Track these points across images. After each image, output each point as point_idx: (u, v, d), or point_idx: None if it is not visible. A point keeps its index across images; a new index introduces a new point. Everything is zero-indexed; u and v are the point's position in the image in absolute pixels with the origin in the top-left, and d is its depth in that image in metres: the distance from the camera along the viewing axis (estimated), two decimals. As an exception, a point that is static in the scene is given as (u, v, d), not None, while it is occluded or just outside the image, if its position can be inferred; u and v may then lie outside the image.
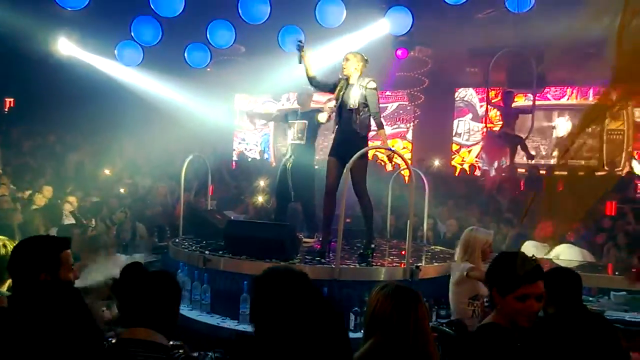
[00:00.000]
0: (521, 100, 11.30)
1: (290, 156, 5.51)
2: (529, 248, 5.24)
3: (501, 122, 10.25)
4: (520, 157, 10.32)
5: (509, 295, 2.00)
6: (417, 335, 1.92)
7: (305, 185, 5.47)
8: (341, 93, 4.70)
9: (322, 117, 5.40)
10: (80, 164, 9.16)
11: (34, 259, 2.14)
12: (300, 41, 4.83)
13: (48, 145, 9.72)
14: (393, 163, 5.70)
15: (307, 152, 5.50)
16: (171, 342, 1.92)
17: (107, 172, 9.22)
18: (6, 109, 12.40)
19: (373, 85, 4.66)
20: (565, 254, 5.13)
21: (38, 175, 8.21)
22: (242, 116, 14.36)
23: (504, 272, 2.05)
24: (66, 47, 9.30)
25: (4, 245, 2.54)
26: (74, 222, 6.17)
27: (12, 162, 8.71)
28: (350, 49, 8.42)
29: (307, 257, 4.53)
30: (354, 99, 4.65)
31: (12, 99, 12.34)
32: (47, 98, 10.63)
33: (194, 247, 4.84)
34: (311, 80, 4.89)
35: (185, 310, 4.44)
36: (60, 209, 6.85)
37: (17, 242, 2.65)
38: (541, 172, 9.81)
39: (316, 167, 5.79)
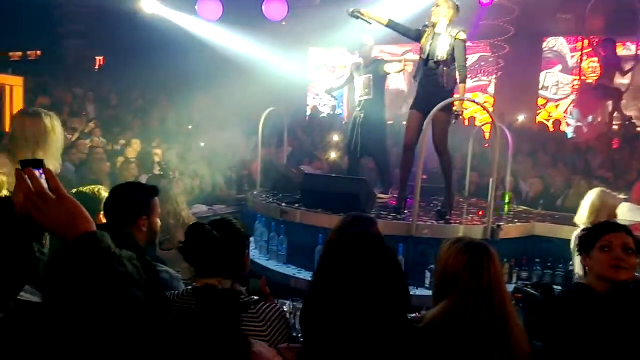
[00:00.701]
0: (620, 51, 10.30)
1: (360, 111, 5.43)
2: (625, 210, 4.87)
3: (599, 73, 9.42)
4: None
5: (594, 249, 2.00)
6: (493, 293, 1.81)
7: (376, 140, 5.38)
8: (428, 43, 4.45)
9: (389, 68, 5.21)
10: (163, 118, 9.57)
11: (133, 202, 2.21)
12: (352, 13, 4.67)
13: (133, 100, 10.21)
14: (464, 118, 5.50)
15: (377, 106, 5.37)
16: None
17: (189, 127, 9.59)
18: (97, 67, 13.12)
19: (463, 36, 4.39)
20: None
21: (126, 129, 8.68)
22: (317, 70, 14.27)
23: (587, 232, 2.10)
24: (150, 4, 9.58)
25: (98, 192, 2.71)
26: (161, 173, 6.48)
27: (103, 116, 9.25)
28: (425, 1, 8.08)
29: (382, 212, 4.50)
30: (442, 50, 4.39)
31: (102, 57, 13.03)
32: (132, 56, 11.12)
33: (271, 200, 4.96)
34: (389, 25, 4.67)
35: (262, 260, 4.61)
36: (152, 160, 7.24)
37: (102, 187, 2.83)
38: (638, 129, 9.03)
39: (390, 122, 5.69)
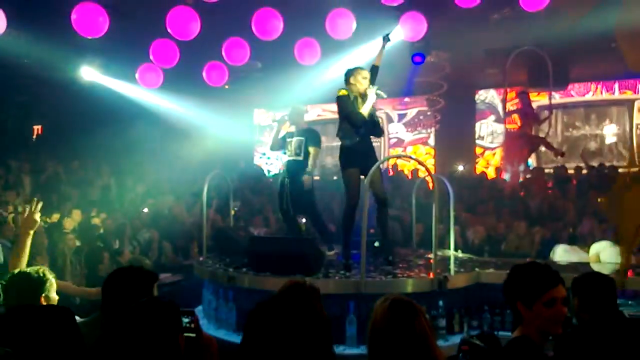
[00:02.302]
0: (544, 99, 11.07)
1: (286, 172, 5.58)
2: (561, 252, 5.08)
3: (519, 124, 10.12)
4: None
5: (537, 303, 1.97)
6: (415, 350, 1.85)
7: (307, 200, 5.45)
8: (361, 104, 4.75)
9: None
10: (105, 187, 9.32)
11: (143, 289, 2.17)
12: (388, 35, 5.23)
13: (73, 170, 9.92)
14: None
15: (304, 166, 5.45)
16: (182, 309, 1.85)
17: (138, 189, 9.38)
18: (34, 137, 12.74)
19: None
20: (606, 254, 4.94)
21: (65, 200, 8.37)
22: (262, 131, 14.45)
23: (526, 282, 2.01)
24: (89, 73, 9.53)
25: (43, 273, 2.59)
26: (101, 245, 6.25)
27: (40, 188, 8.90)
28: (366, 59, 8.47)
29: (330, 270, 4.47)
30: (372, 108, 4.70)
31: (39, 126, 12.69)
32: (72, 124, 10.90)
33: (218, 265, 4.84)
34: (374, 67, 4.99)
35: (212, 329, 4.42)
36: (94, 231, 6.97)
37: (46, 268, 2.69)
38: (569, 172, 9.59)
39: (316, 178, 5.80)
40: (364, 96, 4.72)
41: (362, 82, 4.71)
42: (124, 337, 1.67)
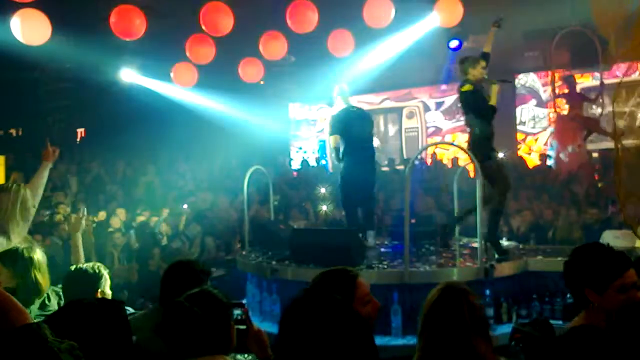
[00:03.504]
0: (588, 81, 10.64)
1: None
2: (610, 238, 4.87)
3: (567, 107, 9.71)
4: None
5: (609, 289, 1.86)
6: (463, 337, 1.82)
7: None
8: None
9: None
10: (149, 185, 9.55)
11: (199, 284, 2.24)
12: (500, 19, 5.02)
13: (117, 170, 10.22)
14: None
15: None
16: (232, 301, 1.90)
17: (180, 186, 9.60)
18: (78, 140, 13.18)
19: None
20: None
21: (110, 199, 8.62)
22: (298, 125, 14.49)
23: (596, 267, 1.89)
24: (128, 75, 9.77)
25: (98, 269, 2.70)
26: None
27: (86, 188, 9.21)
28: (401, 46, 8.33)
29: (374, 261, 4.43)
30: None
31: (83, 129, 13.11)
32: (113, 125, 11.22)
33: (260, 259, 4.87)
34: (486, 54, 4.88)
35: (256, 322, 4.45)
36: (146, 228, 7.19)
37: (100, 264, 2.80)
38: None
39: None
40: (481, 85, 4.66)
41: (482, 72, 4.63)
42: (178, 329, 1.70)
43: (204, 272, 2.32)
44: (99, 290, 2.62)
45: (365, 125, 5.46)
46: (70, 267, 2.79)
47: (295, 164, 13.25)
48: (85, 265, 2.71)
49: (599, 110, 9.26)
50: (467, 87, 4.60)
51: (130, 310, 2.51)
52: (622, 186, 4.39)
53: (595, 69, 9.25)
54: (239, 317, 1.90)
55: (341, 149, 5.40)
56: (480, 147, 4.61)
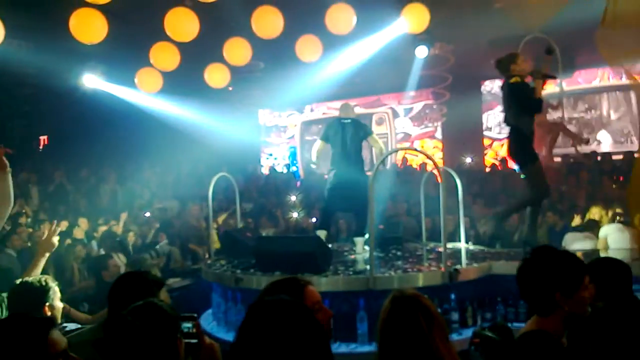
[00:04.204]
0: (551, 88, 10.89)
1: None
2: (572, 240, 4.98)
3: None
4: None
5: (579, 291, 1.90)
6: (423, 343, 1.82)
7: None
8: None
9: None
10: (113, 193, 9.32)
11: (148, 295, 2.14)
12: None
13: (82, 179, 9.94)
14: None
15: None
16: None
17: (145, 195, 9.37)
18: (41, 147, 12.80)
19: None
20: (613, 237, 4.83)
21: (73, 209, 8.38)
22: (268, 132, 14.42)
23: (566, 272, 1.91)
24: (91, 80, 9.53)
25: (45, 282, 2.57)
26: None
27: (48, 198, 8.92)
28: (369, 53, 8.35)
29: (340, 267, 4.40)
30: None
31: (45, 137, 12.74)
32: (77, 132, 10.91)
33: (225, 267, 4.78)
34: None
35: (222, 333, 4.38)
36: (116, 235, 6.99)
37: (49, 277, 2.68)
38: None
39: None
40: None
41: (524, 65, 4.52)
42: (117, 344, 1.61)
43: (157, 282, 2.22)
44: (47, 303, 2.50)
45: (353, 135, 5.45)
46: (16, 280, 2.66)
47: (266, 171, 13.18)
48: (31, 279, 2.60)
49: (559, 115, 9.52)
50: (515, 79, 4.46)
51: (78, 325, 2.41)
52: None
53: (554, 77, 9.48)
54: (190, 331, 1.82)
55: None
56: (528, 146, 4.48)
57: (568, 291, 1.89)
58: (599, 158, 8.94)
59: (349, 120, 5.58)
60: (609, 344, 2.08)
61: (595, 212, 6.15)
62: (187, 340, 1.76)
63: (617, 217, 5.13)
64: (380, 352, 1.89)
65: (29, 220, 7.64)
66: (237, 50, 7.27)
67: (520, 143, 4.47)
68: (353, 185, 5.32)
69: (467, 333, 3.76)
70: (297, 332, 1.28)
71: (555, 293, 1.91)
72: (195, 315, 1.88)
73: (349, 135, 5.44)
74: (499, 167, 10.41)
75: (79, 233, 7.28)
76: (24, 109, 11.55)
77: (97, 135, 10.43)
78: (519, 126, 4.49)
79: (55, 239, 3.11)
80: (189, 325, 1.83)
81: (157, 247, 6.96)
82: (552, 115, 9.83)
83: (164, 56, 7.23)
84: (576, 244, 5.08)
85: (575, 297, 1.89)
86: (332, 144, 5.54)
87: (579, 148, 9.72)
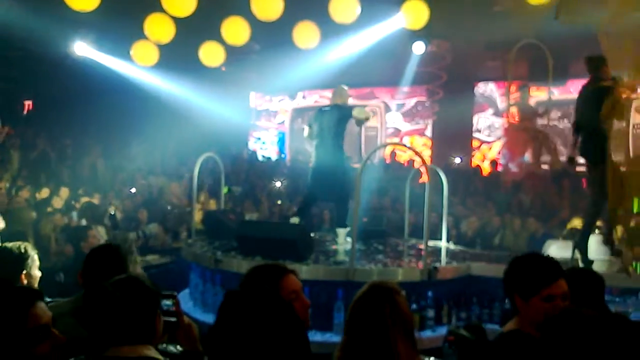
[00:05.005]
0: (543, 94, 10.97)
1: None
2: (554, 249, 5.02)
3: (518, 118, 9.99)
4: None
5: (534, 297, 1.89)
6: (382, 335, 1.84)
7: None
8: None
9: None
10: (93, 166, 9.19)
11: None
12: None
13: (64, 147, 9.78)
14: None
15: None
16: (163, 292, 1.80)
17: (129, 169, 9.26)
18: (25, 112, 12.53)
19: None
20: (593, 248, 4.89)
21: (54, 177, 8.25)
22: (258, 115, 14.32)
23: (525, 275, 1.93)
24: (82, 49, 9.34)
25: (24, 249, 2.51)
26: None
27: (29, 164, 8.76)
28: (366, 44, 8.30)
29: (321, 257, 4.40)
30: None
31: (30, 102, 12.47)
32: (63, 100, 10.70)
33: (205, 248, 4.75)
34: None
35: (199, 312, 4.36)
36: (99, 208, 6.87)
37: (28, 244, 2.62)
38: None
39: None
40: None
41: (609, 71, 4.52)
42: (98, 314, 1.60)
43: (124, 253, 2.22)
44: (25, 271, 2.46)
45: (331, 122, 5.37)
46: None
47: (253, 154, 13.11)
48: (10, 245, 2.54)
49: (544, 122, 9.58)
50: (609, 83, 4.43)
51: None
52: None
53: (547, 83, 9.54)
54: (169, 309, 1.81)
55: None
56: (603, 147, 4.44)
57: (524, 294, 1.92)
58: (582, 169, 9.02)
59: (328, 108, 5.53)
60: (578, 352, 2.11)
61: (577, 222, 6.23)
62: (166, 318, 1.75)
63: (597, 230, 5.19)
64: (344, 333, 1.92)
65: (7, 185, 7.51)
66: (236, 30, 7.18)
67: (600, 143, 4.46)
68: (330, 174, 5.26)
69: (442, 330, 3.81)
70: (272, 325, 1.29)
71: (514, 294, 1.95)
72: (176, 293, 1.87)
73: (326, 122, 5.36)
74: (490, 170, 10.47)
75: (58, 203, 7.17)
76: (11, 73, 11.28)
77: (84, 104, 10.24)
78: (605, 128, 4.49)
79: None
80: (168, 303, 1.82)
81: (145, 228, 6.89)
82: (540, 122, 9.89)
83: (159, 28, 7.11)
84: (558, 252, 5.14)
85: (531, 302, 1.90)
86: (313, 132, 5.48)
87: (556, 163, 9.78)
